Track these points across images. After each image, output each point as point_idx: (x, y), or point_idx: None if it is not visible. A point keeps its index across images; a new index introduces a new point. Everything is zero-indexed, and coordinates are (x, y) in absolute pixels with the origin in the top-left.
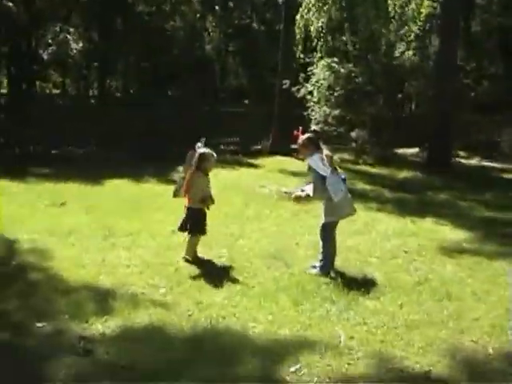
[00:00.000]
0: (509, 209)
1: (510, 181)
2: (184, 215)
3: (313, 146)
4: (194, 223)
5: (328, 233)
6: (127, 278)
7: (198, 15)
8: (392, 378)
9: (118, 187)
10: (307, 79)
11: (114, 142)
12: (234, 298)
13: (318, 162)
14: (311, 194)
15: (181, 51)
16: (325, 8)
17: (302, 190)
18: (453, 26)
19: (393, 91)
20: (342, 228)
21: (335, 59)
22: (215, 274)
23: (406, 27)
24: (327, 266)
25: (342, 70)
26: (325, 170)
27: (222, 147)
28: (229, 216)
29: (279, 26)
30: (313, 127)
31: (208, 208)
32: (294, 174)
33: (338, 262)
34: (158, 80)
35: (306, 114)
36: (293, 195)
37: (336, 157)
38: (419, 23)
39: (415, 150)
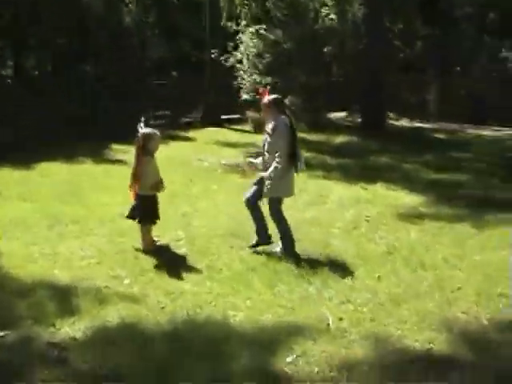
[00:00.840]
0: (451, 170)
1: (443, 141)
2: (134, 202)
3: (277, 109)
4: (145, 212)
5: (278, 208)
6: (85, 270)
7: None
8: (395, 360)
9: (52, 170)
10: (236, 48)
11: (36, 123)
12: (204, 284)
13: (285, 127)
14: (278, 163)
15: (98, 24)
16: None
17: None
18: None
19: (319, 55)
20: (295, 200)
21: (263, 26)
22: (177, 259)
23: None
24: (288, 244)
25: (271, 37)
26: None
27: (152, 122)
28: (175, 195)
29: None
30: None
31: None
32: (230, 144)
33: (301, 236)
34: (75, 55)
35: (235, 83)
36: (247, 163)
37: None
38: None
39: (343, 113)
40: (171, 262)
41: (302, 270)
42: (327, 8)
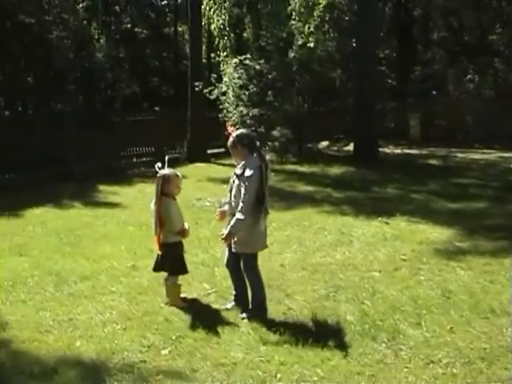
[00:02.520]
0: (464, 198)
1: (440, 167)
2: (159, 253)
3: (245, 147)
4: (174, 261)
5: (254, 266)
6: (111, 340)
7: (85, 22)
8: None
9: (42, 217)
10: (219, 79)
11: (9, 165)
12: (257, 350)
13: (256, 169)
14: (241, 214)
15: (67, 61)
16: (225, 5)
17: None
18: (368, 19)
19: (305, 86)
20: (320, 240)
21: (248, 56)
22: (214, 318)
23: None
24: (260, 310)
25: (257, 67)
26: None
27: (135, 160)
28: (186, 240)
29: (167, 30)
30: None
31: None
32: (224, 181)
33: (343, 283)
34: (44, 94)
35: (221, 116)
36: (217, 211)
37: None
38: (319, 14)
39: (326, 143)
40: (209, 323)
41: (356, 323)
42: (304, 36)
